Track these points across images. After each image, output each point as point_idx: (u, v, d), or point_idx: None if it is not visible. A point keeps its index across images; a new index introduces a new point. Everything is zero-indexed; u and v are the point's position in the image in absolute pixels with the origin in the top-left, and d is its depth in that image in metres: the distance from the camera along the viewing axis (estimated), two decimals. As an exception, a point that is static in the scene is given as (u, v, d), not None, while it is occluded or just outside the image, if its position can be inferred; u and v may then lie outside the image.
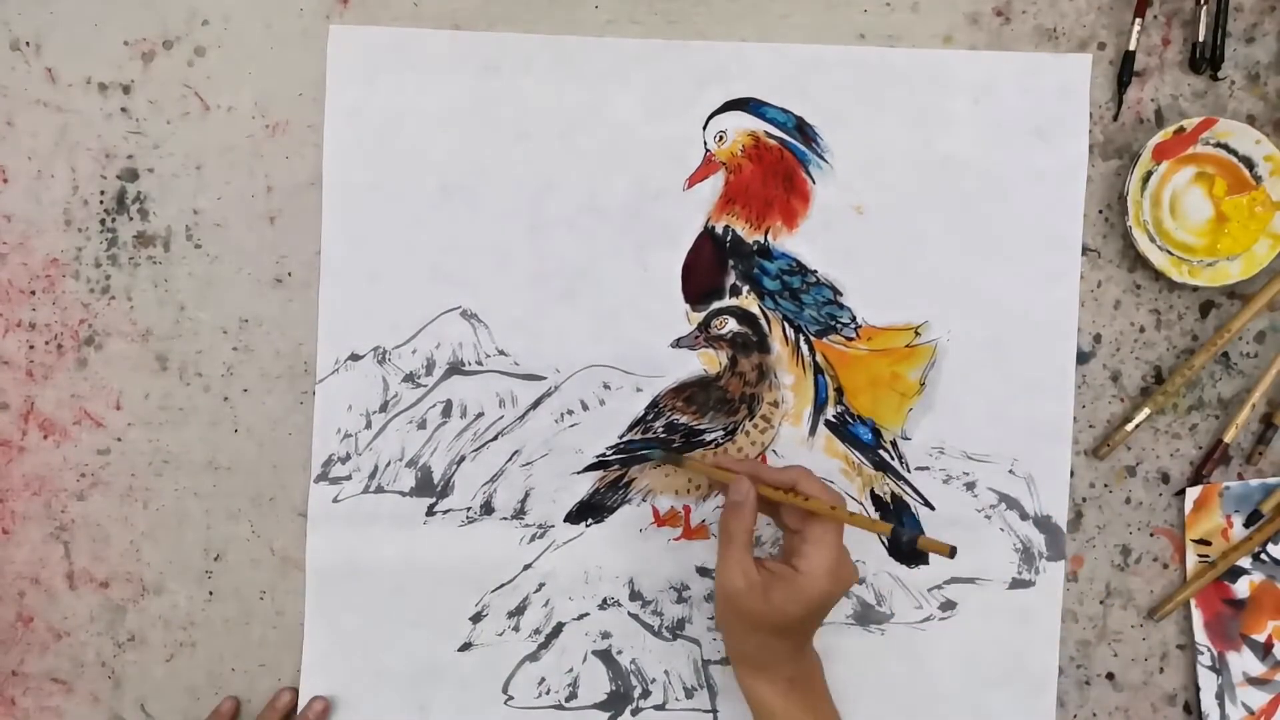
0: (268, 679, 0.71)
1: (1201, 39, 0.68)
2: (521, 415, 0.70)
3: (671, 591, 0.71)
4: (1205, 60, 0.68)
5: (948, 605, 0.71)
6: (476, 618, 0.71)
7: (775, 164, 0.69)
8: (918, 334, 0.70)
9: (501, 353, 0.70)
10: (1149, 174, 0.68)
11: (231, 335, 0.71)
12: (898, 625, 0.71)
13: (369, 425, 0.71)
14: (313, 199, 0.70)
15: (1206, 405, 0.70)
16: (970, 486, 0.70)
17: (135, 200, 0.71)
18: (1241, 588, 0.71)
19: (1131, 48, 0.68)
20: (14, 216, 0.71)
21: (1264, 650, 0.71)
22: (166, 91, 0.71)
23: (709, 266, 0.70)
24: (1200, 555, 0.70)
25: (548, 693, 0.71)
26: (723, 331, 0.70)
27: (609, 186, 0.70)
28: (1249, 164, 0.68)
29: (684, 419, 0.70)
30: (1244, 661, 0.70)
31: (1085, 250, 0.70)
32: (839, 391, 0.70)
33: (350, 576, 0.70)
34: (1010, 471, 0.70)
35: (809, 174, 0.70)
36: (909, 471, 0.70)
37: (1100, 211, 0.70)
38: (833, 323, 0.70)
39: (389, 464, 0.71)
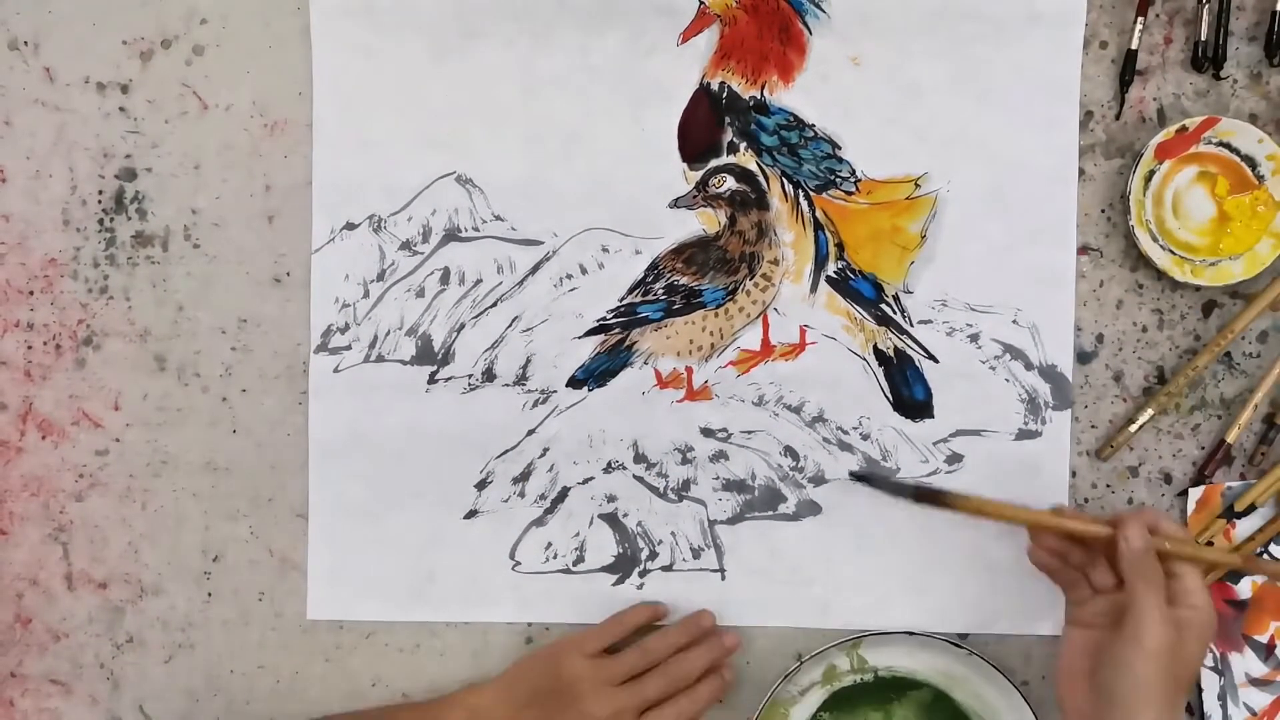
0: (267, 680, 0.71)
1: (1204, 38, 0.68)
2: (520, 281, 0.70)
3: (676, 453, 0.70)
4: (1207, 59, 0.68)
5: (954, 458, 0.70)
6: (481, 485, 0.70)
7: (771, 14, 0.68)
8: (918, 186, 0.69)
9: (498, 218, 0.70)
10: (1151, 173, 0.68)
11: (230, 335, 0.71)
12: (904, 480, 0.70)
13: (367, 294, 0.70)
14: (311, 198, 0.70)
15: (1209, 405, 0.70)
16: (974, 338, 0.69)
17: (133, 200, 0.71)
18: (1244, 588, 0.70)
19: (1133, 46, 0.68)
20: (12, 216, 0.71)
21: (1266, 651, 0.70)
22: (165, 91, 0.70)
23: (705, 124, 0.69)
24: (1202, 556, 0.70)
25: (555, 557, 0.70)
26: (721, 190, 0.69)
27: (601, 43, 0.69)
28: (1251, 163, 0.68)
29: (684, 280, 0.70)
30: (1246, 663, 0.70)
31: (1087, 249, 0.70)
32: (840, 247, 0.70)
33: (353, 446, 0.70)
34: (1014, 322, 0.69)
35: (805, 24, 0.69)
36: (912, 325, 0.70)
37: (1102, 211, 0.70)
38: (832, 177, 0.69)
39: (389, 333, 0.70)
